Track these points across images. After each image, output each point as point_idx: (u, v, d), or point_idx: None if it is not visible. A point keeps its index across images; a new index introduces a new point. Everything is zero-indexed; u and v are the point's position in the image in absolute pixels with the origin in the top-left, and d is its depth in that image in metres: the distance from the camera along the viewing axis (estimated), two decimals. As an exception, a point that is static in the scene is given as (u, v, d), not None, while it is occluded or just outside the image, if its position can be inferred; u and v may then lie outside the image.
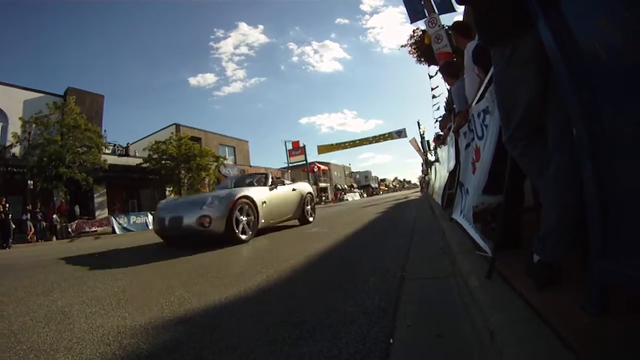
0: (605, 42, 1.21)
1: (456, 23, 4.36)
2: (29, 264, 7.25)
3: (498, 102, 2.03)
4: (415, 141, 36.53)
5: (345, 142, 50.32)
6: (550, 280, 1.68)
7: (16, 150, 19.15)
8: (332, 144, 50.58)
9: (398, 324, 2.05)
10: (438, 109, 16.66)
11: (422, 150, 34.57)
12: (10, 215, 14.89)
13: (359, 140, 50.76)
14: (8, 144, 18.93)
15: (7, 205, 15.10)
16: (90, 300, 3.37)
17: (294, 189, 9.33)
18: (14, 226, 15.12)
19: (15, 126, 19.41)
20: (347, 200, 50.62)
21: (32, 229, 16.76)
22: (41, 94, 22.45)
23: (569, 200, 1.62)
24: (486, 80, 2.63)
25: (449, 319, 2.08)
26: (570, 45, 1.34)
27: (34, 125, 18.85)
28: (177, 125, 32.79)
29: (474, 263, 2.44)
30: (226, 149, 39.80)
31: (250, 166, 42.60)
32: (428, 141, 31.38)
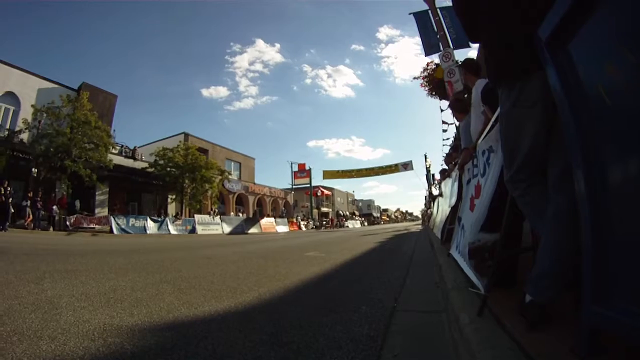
0: (610, 87, 1.22)
1: (466, 60, 4.42)
2: (24, 250, 7.27)
3: (502, 142, 2.06)
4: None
5: (351, 171, 50.35)
6: (541, 321, 1.67)
7: (24, 136, 19.27)
8: (337, 171, 50.58)
9: (385, 354, 2.03)
10: (448, 138, 16.63)
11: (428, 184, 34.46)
12: (10, 199, 14.91)
13: (365, 170, 50.74)
14: (17, 129, 19.11)
15: (9, 189, 15.14)
16: (79, 294, 3.37)
17: None
18: (12, 210, 15.11)
19: (26, 112, 19.57)
20: (347, 227, 50.32)
21: (31, 216, 16.71)
22: (56, 85, 22.79)
23: (565, 243, 1.62)
24: (493, 119, 2.67)
25: (437, 353, 2.07)
26: (575, 90, 1.36)
27: (45, 115, 19.00)
28: (186, 135, 33.11)
29: (467, 299, 2.43)
30: (232, 163, 40.03)
31: (255, 183, 42.72)
32: (433, 175, 31.40)
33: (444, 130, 16.19)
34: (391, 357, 1.99)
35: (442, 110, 15.39)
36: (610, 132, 1.24)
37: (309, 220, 45.22)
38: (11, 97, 20.47)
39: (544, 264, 1.70)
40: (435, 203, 14.84)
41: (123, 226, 19.23)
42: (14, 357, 1.84)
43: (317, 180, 51.98)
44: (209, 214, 27.14)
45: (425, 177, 36.52)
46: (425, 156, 37.91)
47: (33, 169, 18.27)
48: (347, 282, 4.48)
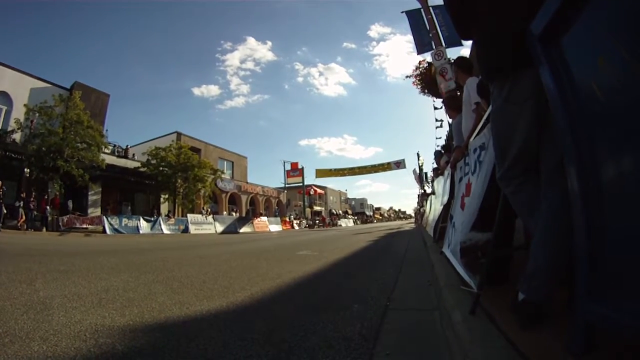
0: (602, 82, 1.22)
1: (459, 58, 4.41)
2: (16, 251, 7.22)
3: (493, 139, 2.05)
4: (416, 172, 36.82)
5: (344, 169, 50.52)
6: (534, 319, 1.68)
7: (17, 136, 19.08)
8: (330, 169, 50.70)
9: (377, 353, 2.03)
10: (440, 137, 16.53)
11: (421, 182, 34.66)
12: (2, 199, 14.73)
13: (358, 168, 50.93)
14: (10, 129, 18.93)
15: (2, 189, 14.99)
16: (72, 295, 3.35)
17: None
18: (5, 211, 14.94)
19: (19, 112, 19.34)
20: (340, 225, 50.33)
21: (23, 217, 16.57)
22: (48, 85, 22.50)
23: (558, 240, 1.62)
24: (485, 116, 2.67)
25: (429, 351, 2.06)
26: (568, 85, 1.36)
27: (37, 114, 18.84)
28: (179, 134, 32.92)
29: (460, 297, 2.43)
30: (225, 162, 39.87)
31: (247, 182, 42.59)
32: (426, 173, 31.47)
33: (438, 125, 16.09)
34: (384, 355, 1.99)
35: (435, 109, 15.37)
36: (602, 127, 1.25)
37: (302, 219, 45.18)
38: (3, 97, 20.20)
39: (536, 262, 1.70)
40: (428, 201, 14.89)
41: (116, 226, 19.08)
42: (6, 358, 1.82)
43: (310, 179, 52.04)
44: (201, 213, 27.03)
45: (417, 176, 36.47)
46: (418, 154, 37.91)
47: (25, 169, 18.12)
48: (340, 281, 4.48)
